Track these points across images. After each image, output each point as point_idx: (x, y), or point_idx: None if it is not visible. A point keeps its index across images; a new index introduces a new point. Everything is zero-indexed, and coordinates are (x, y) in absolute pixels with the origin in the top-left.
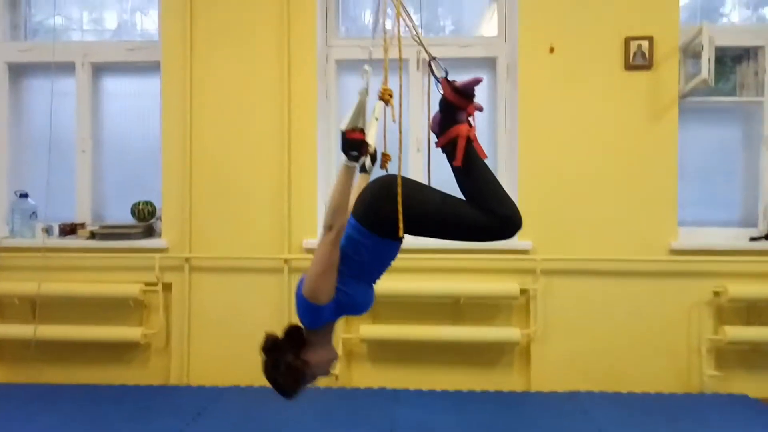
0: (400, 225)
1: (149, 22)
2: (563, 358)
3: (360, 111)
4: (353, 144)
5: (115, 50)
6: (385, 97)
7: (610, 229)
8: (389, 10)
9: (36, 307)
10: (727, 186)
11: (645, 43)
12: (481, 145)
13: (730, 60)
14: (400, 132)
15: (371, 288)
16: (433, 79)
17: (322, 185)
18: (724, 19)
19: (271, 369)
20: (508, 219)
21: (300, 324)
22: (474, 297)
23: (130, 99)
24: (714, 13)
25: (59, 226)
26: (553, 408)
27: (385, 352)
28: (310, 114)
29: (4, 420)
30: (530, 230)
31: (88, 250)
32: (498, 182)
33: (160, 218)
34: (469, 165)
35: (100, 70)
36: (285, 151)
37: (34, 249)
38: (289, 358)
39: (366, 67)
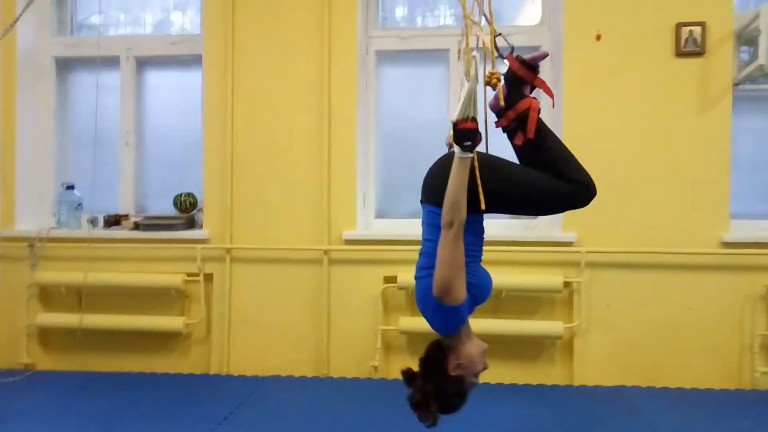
0: (482, 197)
1: (188, 20)
2: (608, 352)
3: (470, 99)
4: (466, 134)
5: (158, 44)
6: (493, 82)
7: (659, 221)
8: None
9: (82, 297)
10: None
11: (697, 29)
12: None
13: None
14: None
15: (482, 267)
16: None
17: (361, 176)
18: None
19: (436, 399)
20: (587, 184)
21: (437, 337)
22: (516, 290)
23: (173, 92)
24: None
25: (104, 217)
26: (600, 402)
27: (424, 343)
28: (350, 105)
29: (49, 406)
30: (575, 222)
31: (132, 240)
32: (570, 151)
33: (201, 210)
34: (542, 136)
35: (143, 63)
36: (325, 143)
37: (80, 239)
38: (445, 377)
39: (474, 53)
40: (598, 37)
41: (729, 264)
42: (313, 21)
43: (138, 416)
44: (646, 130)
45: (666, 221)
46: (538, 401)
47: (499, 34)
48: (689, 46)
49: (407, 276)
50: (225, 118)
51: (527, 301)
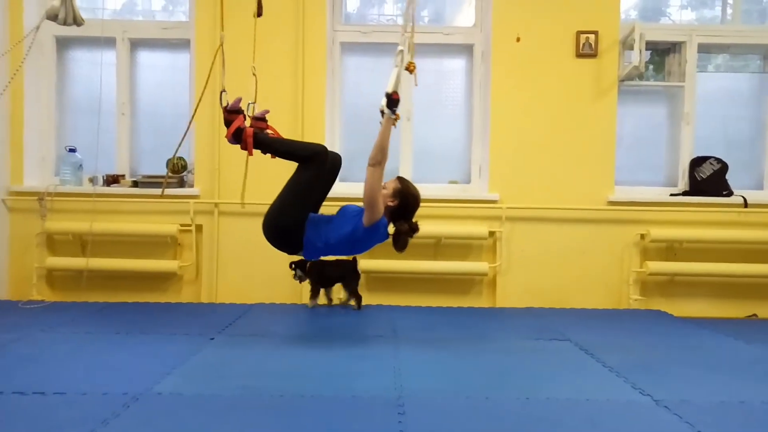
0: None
1: (176, 7)
2: (522, 285)
3: (398, 79)
4: (396, 101)
5: (151, 28)
6: (410, 68)
7: (562, 185)
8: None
9: (87, 244)
10: (655, 153)
11: (592, 36)
12: (275, 128)
13: (664, 51)
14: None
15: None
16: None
17: (328, 144)
18: (664, 18)
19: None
20: (315, 154)
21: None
22: (452, 237)
23: (162, 70)
24: (657, 12)
25: (103, 177)
26: (514, 317)
27: (381, 282)
28: (320, 86)
29: (68, 324)
30: (498, 184)
31: (132, 195)
32: (293, 141)
33: (191, 171)
34: (268, 146)
35: (136, 45)
36: (299, 114)
37: (85, 194)
38: (394, 206)
39: (400, 47)
40: (518, 39)
41: (613, 218)
42: (291, 16)
43: (139, 333)
44: (553, 114)
45: (566, 185)
46: (473, 315)
47: (223, 91)
48: (586, 50)
49: None
50: (214, 96)
51: (460, 247)
